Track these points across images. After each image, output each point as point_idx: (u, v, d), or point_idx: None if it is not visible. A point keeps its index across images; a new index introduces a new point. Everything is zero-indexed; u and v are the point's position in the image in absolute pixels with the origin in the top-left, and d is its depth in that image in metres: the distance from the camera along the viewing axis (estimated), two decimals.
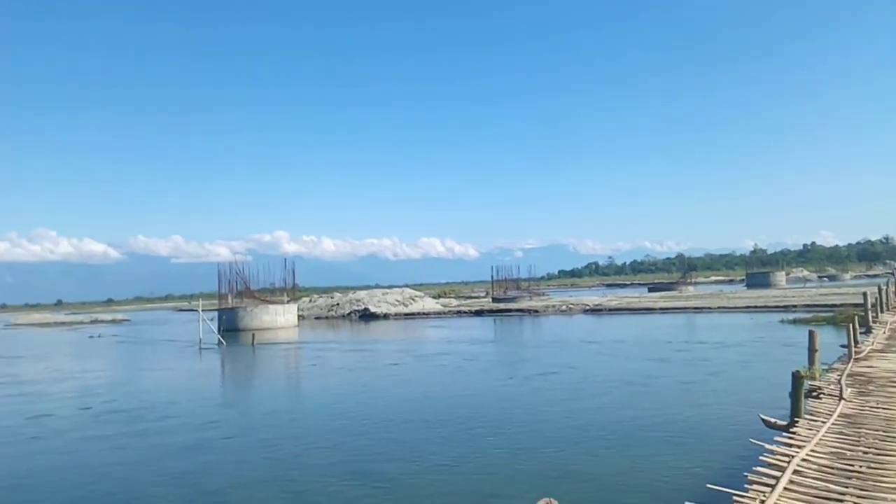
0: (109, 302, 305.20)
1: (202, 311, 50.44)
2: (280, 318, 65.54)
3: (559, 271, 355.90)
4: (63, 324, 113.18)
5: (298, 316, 71.62)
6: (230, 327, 60.00)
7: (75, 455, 15.77)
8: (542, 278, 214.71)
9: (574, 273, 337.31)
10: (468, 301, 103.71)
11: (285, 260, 74.17)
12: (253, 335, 49.69)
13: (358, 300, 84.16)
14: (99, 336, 70.16)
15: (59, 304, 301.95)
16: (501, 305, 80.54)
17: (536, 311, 69.08)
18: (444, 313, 76.83)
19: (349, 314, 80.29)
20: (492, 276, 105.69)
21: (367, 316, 77.37)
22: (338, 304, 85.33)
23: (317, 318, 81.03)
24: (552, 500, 5.22)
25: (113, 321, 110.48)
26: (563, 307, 70.55)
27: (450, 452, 14.34)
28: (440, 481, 12.24)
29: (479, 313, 73.87)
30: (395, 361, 32.64)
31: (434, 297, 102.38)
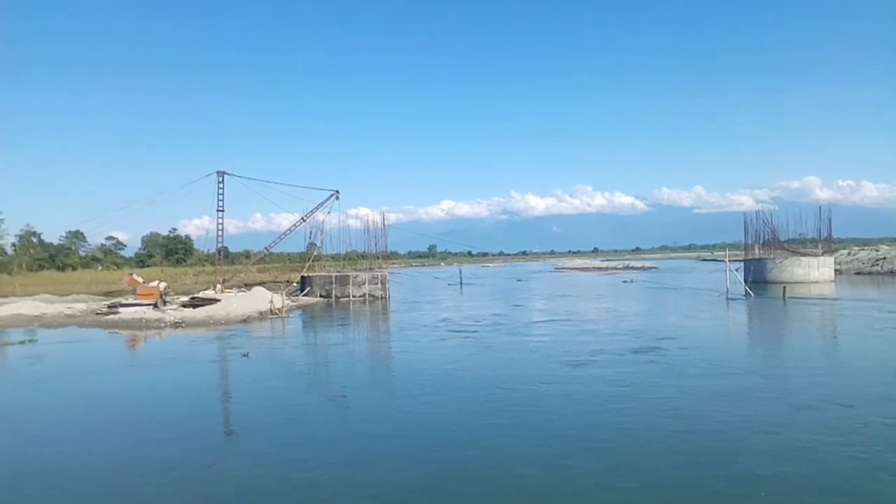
0: (637, 250, 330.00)
1: (728, 261, 50.08)
2: (814, 272, 60.14)
3: None
4: (599, 269, 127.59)
5: (835, 270, 64.38)
6: (757, 279, 58.03)
7: (631, 388, 17.80)
8: None
9: None
10: None
11: (819, 208, 67.12)
12: (784, 288, 47.05)
13: None
14: (631, 281, 76.85)
15: (595, 252, 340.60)
16: None
17: None
18: None
19: None
20: None
21: None
22: (884, 259, 73.32)
23: (857, 274, 71.39)
24: None
25: (642, 268, 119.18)
26: None
27: None
28: None
29: None
30: None
31: None
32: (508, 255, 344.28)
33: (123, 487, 11.01)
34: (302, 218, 59.72)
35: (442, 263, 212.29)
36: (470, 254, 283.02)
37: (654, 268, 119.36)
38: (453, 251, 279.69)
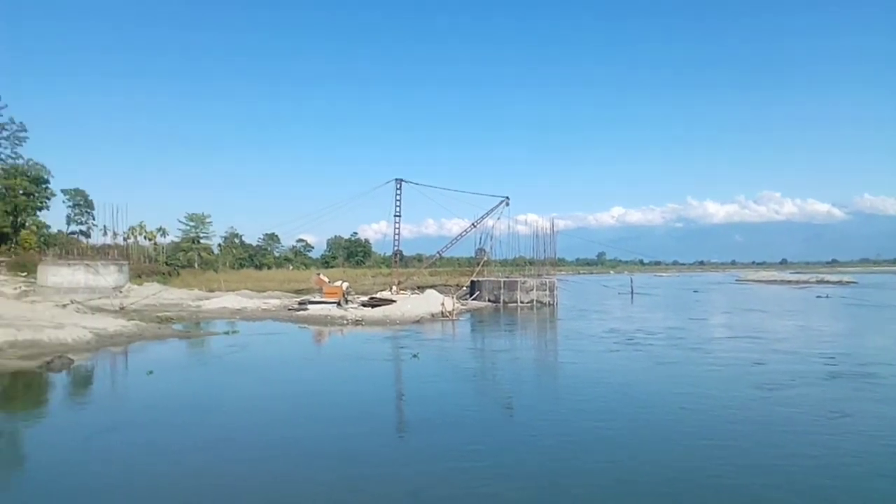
0: (833, 262, 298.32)
1: None
2: None
3: None
4: (787, 282, 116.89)
5: None
6: None
7: (841, 419, 15.94)
8: None
9: None
10: None
11: None
12: None
13: None
14: (827, 296, 69.55)
15: (783, 263, 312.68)
16: None
17: None
18: None
19: None
20: None
21: None
22: None
23: None
24: None
25: (839, 282, 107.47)
26: None
27: None
28: None
29: None
30: None
31: None
32: (683, 264, 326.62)
33: (300, 483, 11.84)
34: (473, 224, 61.06)
35: (611, 271, 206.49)
36: (641, 262, 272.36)
37: (853, 283, 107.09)
38: (623, 259, 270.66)
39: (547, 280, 57.23)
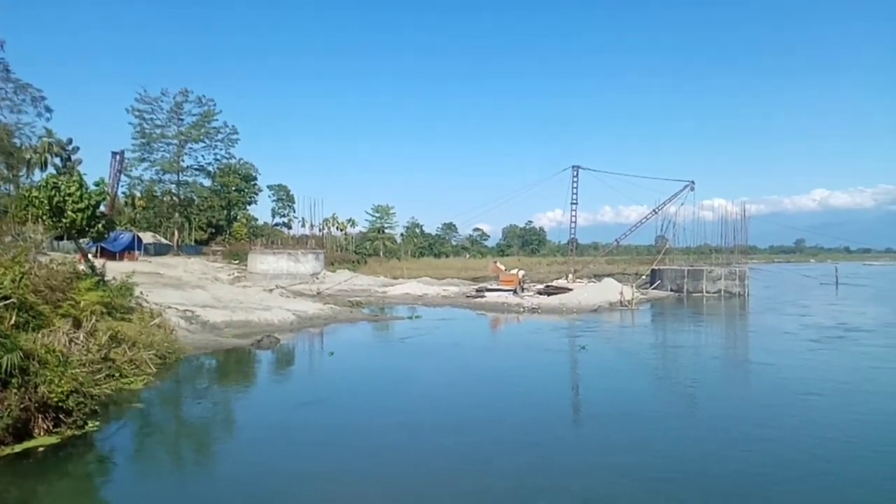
0: None
1: None
2: None
3: None
4: None
5: None
6: None
7: None
8: None
9: None
10: None
11: None
12: None
13: None
14: None
15: None
16: None
17: None
18: None
19: None
20: None
21: None
22: None
23: None
24: None
25: None
26: None
27: None
28: None
29: None
30: None
31: None
32: None
33: (481, 467, 12.18)
34: (654, 210, 58.66)
35: (812, 260, 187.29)
36: (847, 250, 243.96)
37: None
38: (826, 247, 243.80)
39: (737, 269, 53.36)
